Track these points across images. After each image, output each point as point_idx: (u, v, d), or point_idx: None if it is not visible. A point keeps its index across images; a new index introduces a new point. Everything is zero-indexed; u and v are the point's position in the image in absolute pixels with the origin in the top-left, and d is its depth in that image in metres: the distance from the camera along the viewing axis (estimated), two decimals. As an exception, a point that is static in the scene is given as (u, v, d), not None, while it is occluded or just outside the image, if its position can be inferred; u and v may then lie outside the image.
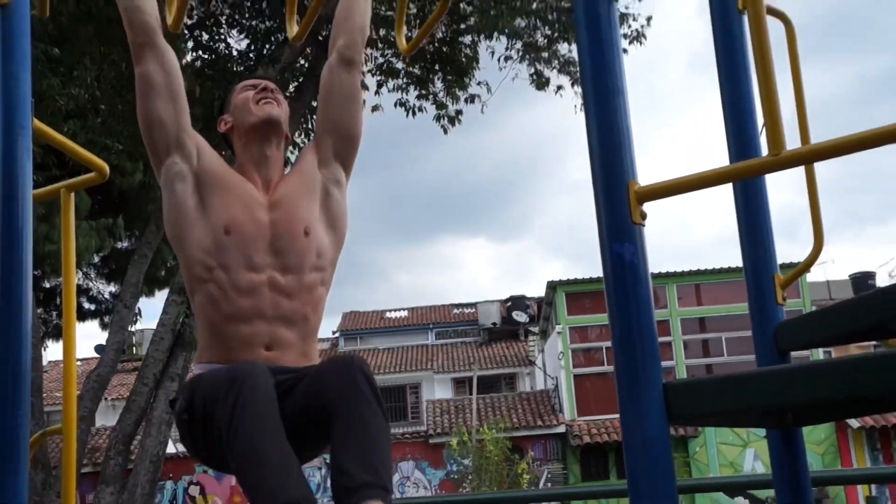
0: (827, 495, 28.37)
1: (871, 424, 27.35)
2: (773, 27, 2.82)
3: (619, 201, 1.94)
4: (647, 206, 1.96)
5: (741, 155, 2.69)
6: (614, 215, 1.94)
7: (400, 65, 16.25)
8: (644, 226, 1.96)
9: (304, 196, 3.06)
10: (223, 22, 15.73)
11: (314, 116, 13.20)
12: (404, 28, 3.27)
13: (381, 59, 16.36)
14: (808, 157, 1.92)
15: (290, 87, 13.83)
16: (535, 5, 15.18)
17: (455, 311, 47.03)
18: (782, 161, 1.86)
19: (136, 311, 16.72)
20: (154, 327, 14.92)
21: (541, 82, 15.93)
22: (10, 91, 2.96)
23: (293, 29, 3.19)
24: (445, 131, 16.37)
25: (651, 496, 1.90)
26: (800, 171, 2.65)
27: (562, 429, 30.72)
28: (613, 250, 1.94)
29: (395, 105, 16.38)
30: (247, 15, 16.02)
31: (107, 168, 3.51)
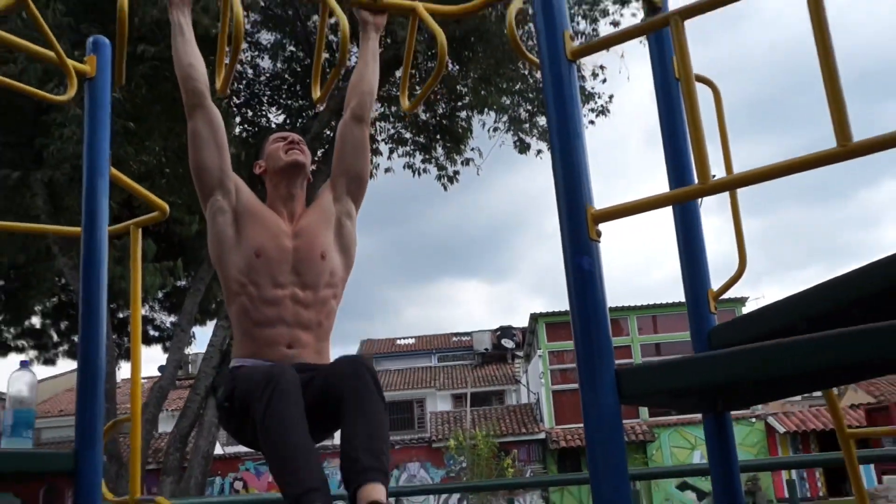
0: (759, 487, 28.32)
1: (794, 430, 27.61)
2: (703, 92, 2.89)
3: (578, 222, 1.99)
4: (602, 226, 2.01)
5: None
6: (575, 233, 1.99)
7: (408, 134, 16.40)
8: (599, 242, 2.01)
9: (322, 226, 3.12)
10: (264, 101, 15.89)
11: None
12: (407, 91, 3.31)
13: (392, 131, 16.48)
14: (729, 184, 1.98)
15: (318, 153, 13.90)
16: (518, 86, 15.31)
17: (454, 338, 46.98)
18: (707, 188, 1.91)
19: (192, 335, 16.79)
20: (205, 349, 15.07)
21: (523, 147, 16.08)
22: (93, 145, 3.03)
23: (317, 92, 3.24)
24: (445, 189, 16.50)
25: (605, 461, 1.94)
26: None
27: (542, 435, 30.66)
28: (575, 262, 1.98)
29: (404, 167, 16.55)
30: (283, 95, 16.20)
31: (167, 207, 3.55)
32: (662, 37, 2.83)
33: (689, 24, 1.98)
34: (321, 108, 13.36)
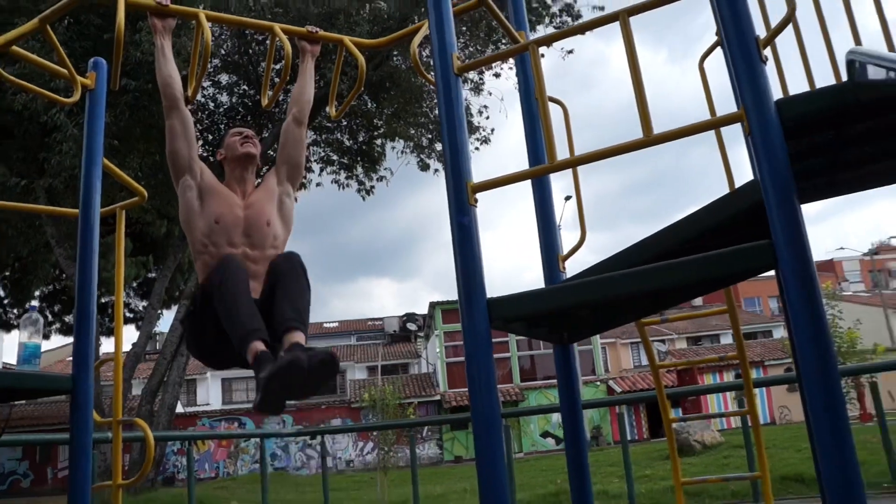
0: (601, 433, 29.01)
1: (628, 389, 28.66)
2: (555, 109, 3.04)
3: (461, 191, 2.12)
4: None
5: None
6: (459, 199, 2.11)
7: (335, 157, 16.43)
8: (475, 206, 2.13)
9: (267, 201, 3.18)
10: (221, 128, 15.76)
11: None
12: (335, 101, 3.42)
13: (322, 153, 16.47)
14: (568, 163, 2.11)
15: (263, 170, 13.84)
16: (421, 119, 15.53)
17: (369, 322, 46.87)
18: (556, 166, 2.06)
19: (160, 313, 16.51)
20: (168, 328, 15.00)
21: (424, 166, 16.23)
22: (91, 140, 3.06)
23: (265, 100, 3.33)
24: (364, 199, 16.66)
25: (479, 371, 2.05)
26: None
27: (438, 397, 30.84)
28: (458, 220, 2.11)
29: (332, 182, 16.62)
30: (237, 124, 16.03)
31: (146, 193, 3.58)
32: (525, 63, 2.98)
33: (553, 84, 2.14)
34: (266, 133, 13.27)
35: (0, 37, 2.59)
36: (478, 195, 2.13)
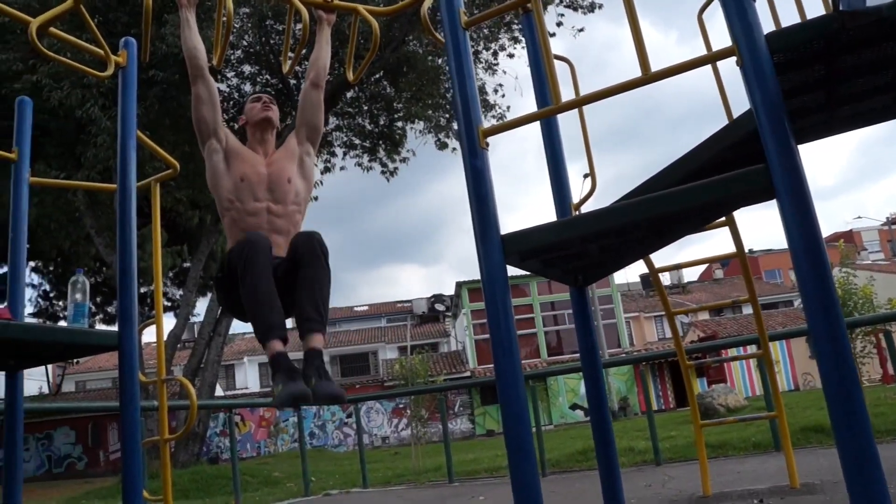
0: (629, 404, 29.02)
1: (652, 363, 28.33)
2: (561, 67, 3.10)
3: (472, 136, 2.19)
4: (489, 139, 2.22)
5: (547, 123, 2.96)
6: (471, 144, 2.19)
7: (357, 141, 16.54)
8: (487, 150, 2.21)
9: (288, 160, 3.27)
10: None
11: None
12: (351, 66, 3.51)
13: (345, 138, 16.58)
14: (574, 104, 2.18)
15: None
16: (439, 100, 15.60)
17: (398, 305, 47.17)
18: (561, 106, 2.14)
19: (195, 299, 16.74)
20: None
21: (442, 145, 16.29)
22: (125, 115, 3.13)
23: (286, 67, 3.42)
24: (388, 181, 16.71)
25: (495, 302, 2.13)
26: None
27: (468, 374, 30.98)
28: (471, 162, 2.19)
29: (355, 165, 16.71)
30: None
31: (178, 165, 3.69)
32: (530, 20, 3.04)
33: (565, 66, 2.19)
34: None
35: (37, 18, 2.65)
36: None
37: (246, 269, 2.71)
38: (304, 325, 2.73)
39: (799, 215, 1.76)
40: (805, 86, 2.31)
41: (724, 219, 3.32)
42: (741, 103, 2.15)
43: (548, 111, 2.23)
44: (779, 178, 1.78)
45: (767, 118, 1.82)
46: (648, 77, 2.00)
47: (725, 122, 2.45)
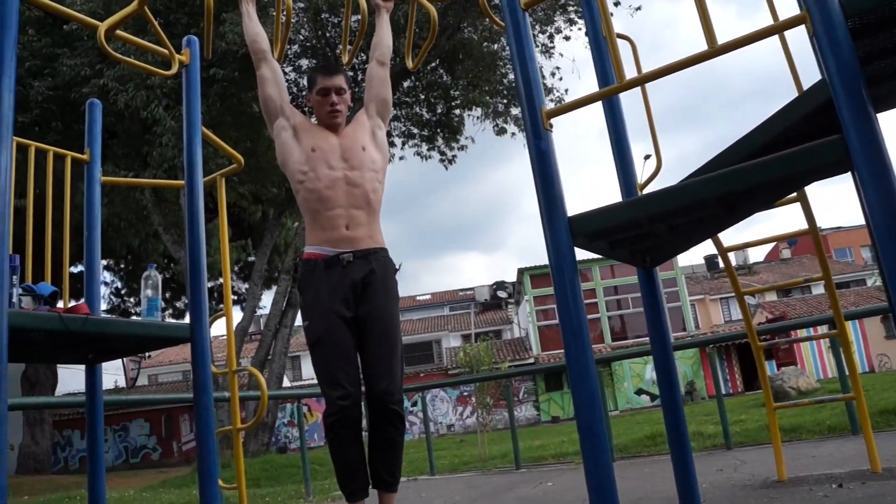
0: (695, 388, 28.59)
1: (719, 346, 27.85)
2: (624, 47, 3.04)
3: (536, 118, 2.16)
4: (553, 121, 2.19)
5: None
6: (534, 125, 2.16)
7: (415, 130, 16.58)
8: (551, 131, 2.18)
9: (360, 131, 3.23)
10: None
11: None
12: (410, 54, 3.51)
13: (403, 128, 16.64)
14: (637, 81, 2.13)
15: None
16: (496, 86, 15.52)
17: (460, 293, 47.20)
18: (624, 85, 2.09)
19: (260, 292, 17.00)
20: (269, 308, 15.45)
21: (501, 130, 16.20)
22: (190, 111, 3.17)
23: (345, 56, 3.43)
24: (446, 168, 16.75)
25: (563, 283, 2.10)
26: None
27: (532, 360, 30.91)
28: (535, 144, 2.16)
29: (414, 154, 16.76)
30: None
31: (242, 160, 3.72)
32: (591, 1, 2.99)
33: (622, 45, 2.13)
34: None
35: (104, 22, 2.70)
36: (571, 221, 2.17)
37: (334, 431, 2.92)
38: (381, 486, 3.00)
39: (880, 187, 1.68)
40: (881, 51, 2.22)
41: (795, 195, 3.22)
42: (809, 75, 2.09)
43: (612, 89, 2.18)
44: (856, 148, 1.71)
45: (843, 86, 1.74)
46: (715, 50, 1.95)
47: (790, 97, 2.37)
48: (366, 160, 3.15)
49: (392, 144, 16.65)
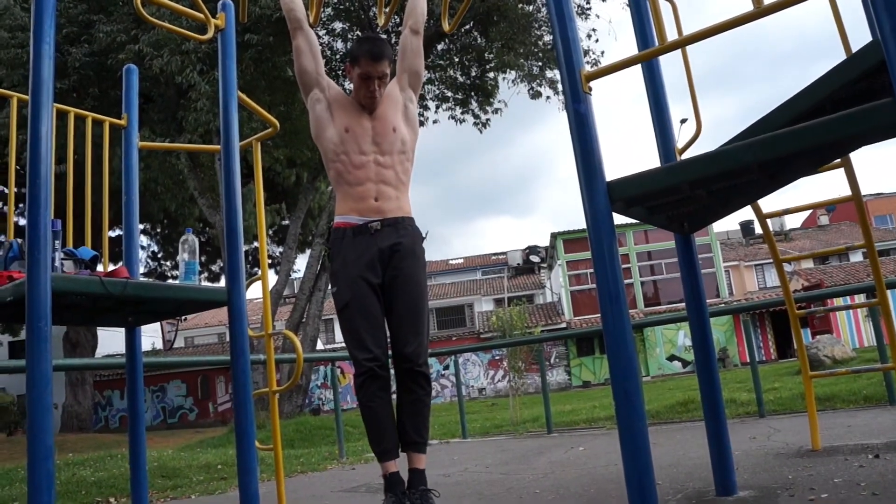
0: (728, 355, 28.40)
1: (753, 313, 27.54)
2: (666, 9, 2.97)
3: (575, 80, 2.13)
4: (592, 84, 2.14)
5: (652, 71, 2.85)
6: (574, 88, 2.12)
7: (449, 93, 16.46)
8: (590, 94, 2.14)
9: (392, 109, 3.20)
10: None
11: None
12: (446, 16, 3.46)
13: (437, 91, 16.52)
14: (678, 43, 2.08)
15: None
16: (531, 48, 15.34)
17: (493, 257, 47.24)
18: (665, 47, 2.05)
19: (295, 255, 17.09)
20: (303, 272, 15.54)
21: (536, 94, 16.05)
22: (225, 76, 3.15)
23: (381, 19, 3.40)
24: (480, 132, 16.66)
25: (599, 246, 2.08)
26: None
27: (564, 325, 30.90)
28: (574, 107, 2.13)
29: (448, 118, 16.65)
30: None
31: (278, 124, 3.71)
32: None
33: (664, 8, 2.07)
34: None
35: None
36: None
37: (363, 391, 2.96)
38: (409, 447, 3.01)
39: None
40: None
41: (839, 160, 3.14)
42: (857, 36, 2.01)
43: (653, 51, 2.13)
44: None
45: (896, 48, 1.68)
46: (762, 10, 1.89)
47: (835, 59, 2.29)
48: (396, 143, 3.16)
49: (426, 108, 16.55)
